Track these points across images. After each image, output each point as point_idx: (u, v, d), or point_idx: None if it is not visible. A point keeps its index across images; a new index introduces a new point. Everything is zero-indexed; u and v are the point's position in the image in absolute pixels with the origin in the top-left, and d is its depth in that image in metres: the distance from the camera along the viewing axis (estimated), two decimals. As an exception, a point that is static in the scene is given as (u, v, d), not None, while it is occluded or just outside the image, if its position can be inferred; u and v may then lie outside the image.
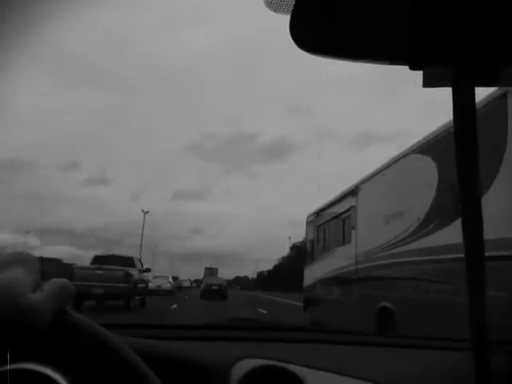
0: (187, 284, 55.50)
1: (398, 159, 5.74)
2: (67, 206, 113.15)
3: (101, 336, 0.47)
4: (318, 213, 9.93)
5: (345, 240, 7.84)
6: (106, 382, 0.46)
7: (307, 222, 10.99)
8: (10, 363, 0.42)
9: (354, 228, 7.33)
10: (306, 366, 0.92)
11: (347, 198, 7.78)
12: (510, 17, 0.48)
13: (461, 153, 0.52)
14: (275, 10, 0.52)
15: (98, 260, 14.98)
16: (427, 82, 0.53)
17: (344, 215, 7.96)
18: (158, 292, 26.76)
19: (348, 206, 7.66)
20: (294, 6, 0.49)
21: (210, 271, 57.96)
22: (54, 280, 0.45)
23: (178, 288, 38.13)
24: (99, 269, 13.74)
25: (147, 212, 42.48)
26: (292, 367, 0.86)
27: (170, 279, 31.77)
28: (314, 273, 9.72)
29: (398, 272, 5.46)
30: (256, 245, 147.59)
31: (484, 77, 0.51)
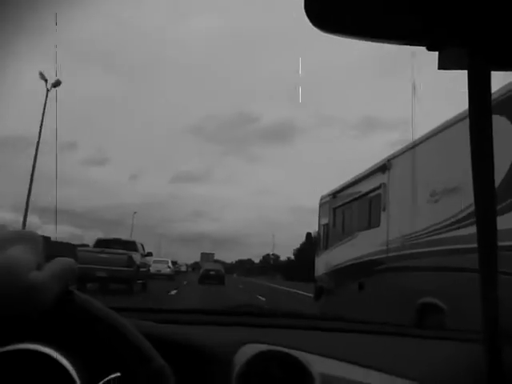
0: (183, 269, 54.69)
1: (455, 122, 4.64)
2: (67, 186, 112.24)
3: (105, 316, 0.47)
4: (335, 194, 8.85)
5: (371, 223, 6.78)
6: (110, 361, 0.46)
7: (321, 205, 9.92)
8: (13, 343, 0.43)
9: (384, 209, 6.27)
10: (311, 353, 0.91)
11: (375, 175, 6.70)
12: None
13: (475, 137, 0.52)
14: None
15: (100, 243, 15.14)
16: (443, 64, 0.52)
17: (370, 195, 6.89)
18: (158, 276, 26.74)
19: (376, 184, 6.59)
20: None
21: (207, 256, 58.03)
22: (58, 259, 0.45)
23: (176, 272, 39.45)
24: (103, 252, 13.76)
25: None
26: (296, 353, 0.84)
27: (170, 264, 32.21)
28: (329, 260, 8.68)
29: (453, 261, 4.41)
30: (258, 229, 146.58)
31: (501, 60, 0.50)
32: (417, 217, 5.27)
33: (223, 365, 0.78)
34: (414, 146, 5.61)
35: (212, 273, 30.14)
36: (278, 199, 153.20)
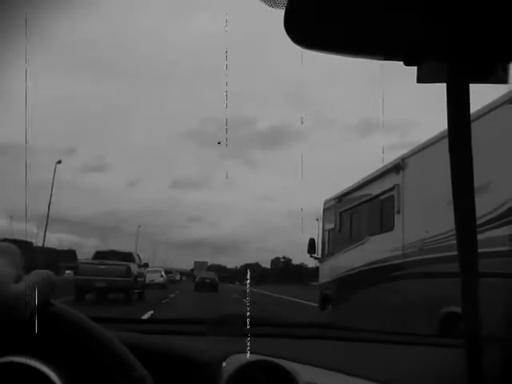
0: (177, 277, 54.31)
1: (483, 115, 4.27)
2: (65, 194, 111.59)
3: (85, 326, 0.47)
4: (341, 197, 8.47)
5: (383, 227, 6.40)
6: (91, 371, 0.46)
7: (325, 209, 9.54)
8: None
9: (398, 212, 5.89)
10: (299, 362, 0.91)
11: (387, 176, 6.33)
12: (504, 14, 0.48)
13: (454, 149, 0.53)
14: (270, 5, 0.50)
15: (99, 255, 15.85)
16: (421, 78, 0.53)
17: (382, 197, 6.52)
18: (152, 286, 27.04)
19: (389, 186, 6.22)
20: (289, 0, 0.48)
21: (200, 264, 58.12)
22: (37, 271, 0.45)
23: (172, 282, 40.58)
24: (102, 264, 14.50)
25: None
26: (283, 362, 0.85)
27: (163, 273, 32.69)
28: (335, 267, 8.28)
29: (485, 266, 4.02)
30: (257, 234, 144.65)
31: (478, 73, 0.51)
32: (438, 219, 4.89)
33: (211, 375, 0.78)
34: (432, 143, 5.24)
35: (207, 281, 32.01)
36: (277, 204, 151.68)
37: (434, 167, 5.20)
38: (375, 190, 6.77)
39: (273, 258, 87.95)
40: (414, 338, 1.39)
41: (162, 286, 29.61)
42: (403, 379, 0.99)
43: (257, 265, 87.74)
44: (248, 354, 0.87)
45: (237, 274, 73.89)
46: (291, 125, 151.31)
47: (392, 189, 6.10)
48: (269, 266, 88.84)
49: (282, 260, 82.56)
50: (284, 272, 74.51)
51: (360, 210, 7.48)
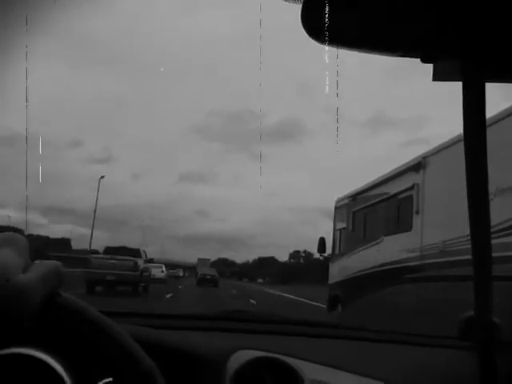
0: (180, 274, 54.58)
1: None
2: (71, 185, 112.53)
3: (93, 318, 0.46)
4: (355, 196, 8.29)
5: (400, 227, 6.22)
6: (97, 362, 0.46)
7: (337, 208, 9.36)
8: (1, 348, 0.43)
9: (417, 212, 5.71)
10: (303, 359, 0.92)
11: (406, 175, 6.15)
12: None
13: (469, 147, 0.55)
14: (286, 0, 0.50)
15: (108, 250, 17.33)
16: (438, 76, 0.53)
17: (400, 196, 6.34)
18: (152, 280, 26.96)
19: (408, 185, 6.04)
20: None
21: (203, 262, 59.73)
22: (44, 262, 0.45)
23: (175, 277, 40.94)
24: (112, 258, 15.76)
25: None
26: (288, 359, 0.86)
27: (163, 268, 33.04)
28: (347, 267, 8.11)
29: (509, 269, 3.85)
30: (265, 230, 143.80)
31: (494, 72, 0.51)
32: (461, 220, 4.72)
33: (216, 370, 0.78)
34: (456, 141, 5.05)
35: (208, 277, 35.01)
36: (285, 199, 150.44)
37: (458, 167, 5.02)
38: (393, 188, 6.59)
39: (291, 251, 73.38)
40: (420, 339, 1.37)
41: (162, 281, 29.67)
42: (409, 379, 0.99)
43: (272, 259, 74.14)
44: (254, 351, 0.87)
45: (248, 269, 63.52)
46: (300, 120, 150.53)
47: (411, 188, 5.92)
48: (287, 261, 73.77)
49: (303, 254, 69.07)
50: (309, 268, 57.33)
51: (375, 209, 7.30)
